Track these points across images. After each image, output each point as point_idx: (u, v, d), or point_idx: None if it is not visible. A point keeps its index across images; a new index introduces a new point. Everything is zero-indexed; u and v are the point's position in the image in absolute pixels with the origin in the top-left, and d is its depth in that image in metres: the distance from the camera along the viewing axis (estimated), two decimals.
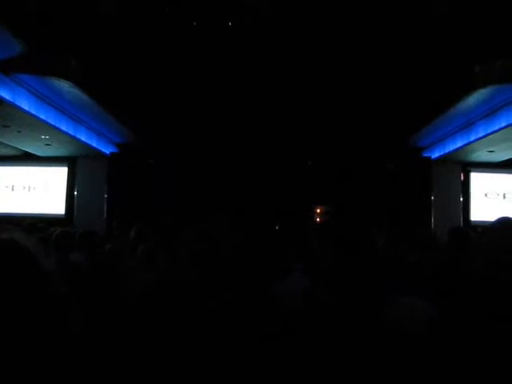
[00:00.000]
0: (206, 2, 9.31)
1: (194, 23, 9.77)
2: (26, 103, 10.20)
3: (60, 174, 15.34)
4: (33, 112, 10.49)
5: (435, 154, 14.59)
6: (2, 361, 1.01)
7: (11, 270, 1.10)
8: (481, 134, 11.56)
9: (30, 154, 14.63)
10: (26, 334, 1.06)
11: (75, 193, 15.28)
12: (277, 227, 13.33)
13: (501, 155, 13.30)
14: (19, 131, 11.74)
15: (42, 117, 10.90)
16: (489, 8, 8.18)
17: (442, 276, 2.83)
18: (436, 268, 3.20)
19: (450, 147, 13.43)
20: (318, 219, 15.68)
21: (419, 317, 2.59)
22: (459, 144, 12.83)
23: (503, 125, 10.54)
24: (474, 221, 14.38)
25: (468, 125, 12.05)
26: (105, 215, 14.86)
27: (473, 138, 12.00)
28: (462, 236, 5.07)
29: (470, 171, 14.94)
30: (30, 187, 15.30)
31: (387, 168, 15.11)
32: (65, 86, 10.03)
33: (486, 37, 8.52)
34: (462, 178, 15.00)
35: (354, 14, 8.83)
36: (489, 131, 11.17)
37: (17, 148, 14.03)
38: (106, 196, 15.16)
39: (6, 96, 9.47)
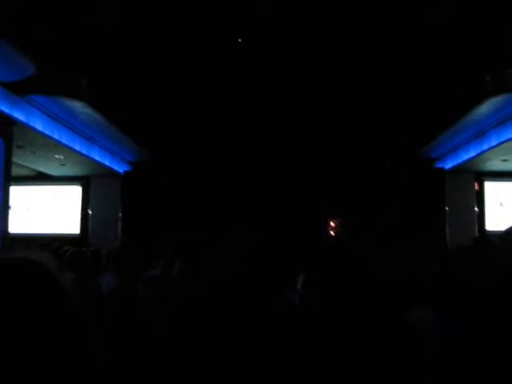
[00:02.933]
0: (217, 19, 9.38)
1: (205, 40, 9.85)
2: (39, 124, 10.30)
3: (74, 193, 15.44)
4: (47, 132, 10.59)
5: (448, 165, 14.52)
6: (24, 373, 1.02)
7: (28, 288, 1.11)
8: (493, 143, 11.51)
9: (45, 173, 14.74)
10: (47, 350, 1.07)
11: (89, 212, 15.35)
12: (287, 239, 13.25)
13: None
14: (33, 152, 11.85)
15: (56, 137, 11.00)
16: (499, 17, 8.18)
17: (447, 286, 2.82)
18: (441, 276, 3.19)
19: (463, 157, 13.37)
20: (331, 232, 15.64)
21: (430, 329, 2.58)
22: (472, 154, 12.78)
23: None
24: (490, 231, 14.26)
25: (480, 134, 12.00)
26: (119, 234, 14.91)
27: (486, 147, 11.94)
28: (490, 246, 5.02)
29: (484, 181, 14.86)
30: (45, 207, 15.39)
31: (400, 180, 15.05)
32: (77, 105, 10.13)
33: (496, 46, 8.52)
34: (477, 187, 14.91)
35: (364, 23, 8.87)
36: (502, 140, 11.12)
37: (31, 168, 14.15)
38: (120, 215, 15.22)
39: (20, 117, 9.57)
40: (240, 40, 9.72)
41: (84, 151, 12.48)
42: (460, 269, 3.28)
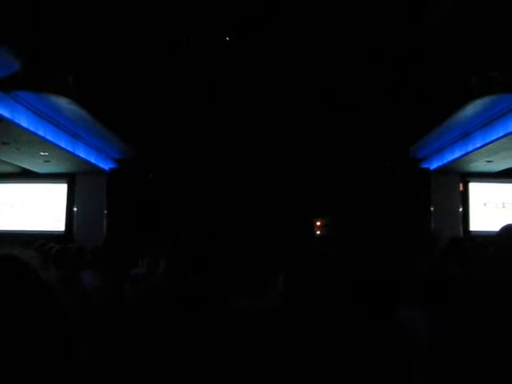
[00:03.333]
0: (204, 19, 9.36)
1: (192, 39, 9.83)
2: (24, 120, 10.21)
3: (59, 190, 15.34)
4: (31, 129, 10.51)
5: (434, 165, 14.60)
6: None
7: (11, 284, 1.10)
8: (478, 144, 11.59)
9: (29, 170, 14.64)
10: (31, 347, 1.06)
11: (75, 209, 15.27)
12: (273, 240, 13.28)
13: (499, 165, 13.32)
14: (18, 148, 11.76)
15: (41, 133, 10.92)
16: (485, 19, 8.23)
17: (436, 286, 2.83)
18: (429, 277, 3.20)
19: (449, 158, 13.45)
20: (317, 232, 15.67)
21: (418, 330, 2.59)
22: (457, 154, 12.86)
23: (501, 134, 10.57)
24: (474, 231, 14.37)
25: (466, 135, 12.08)
26: (105, 231, 14.84)
27: (471, 148, 12.02)
28: (461, 246, 5.07)
29: (468, 181, 14.95)
30: (29, 204, 15.28)
31: (386, 180, 15.10)
32: (63, 102, 10.06)
33: (482, 47, 8.57)
34: (461, 188, 15.00)
35: (352, 26, 8.89)
36: (487, 141, 11.20)
37: (16, 165, 14.04)
38: (105, 212, 15.14)
39: (5, 113, 9.49)
40: (228, 38, 9.70)
41: (69, 148, 12.40)
42: (447, 269, 3.30)
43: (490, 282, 2.38)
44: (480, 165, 13.46)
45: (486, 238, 11.31)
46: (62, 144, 12.02)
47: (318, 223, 15.80)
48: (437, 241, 6.63)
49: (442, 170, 14.40)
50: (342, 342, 2.29)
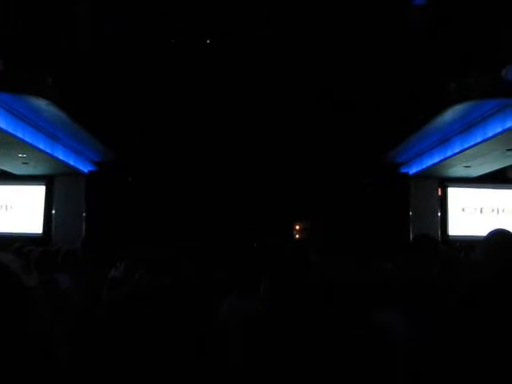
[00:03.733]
0: (186, 20, 9.35)
1: (173, 40, 9.80)
2: (2, 121, 10.11)
3: (37, 192, 15.20)
4: (10, 130, 10.41)
5: (413, 170, 14.72)
6: None
7: None
8: (457, 150, 11.70)
9: (7, 172, 14.49)
10: (10, 350, 1.05)
11: (53, 212, 15.13)
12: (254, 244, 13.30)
13: (477, 170, 13.46)
14: None
15: (19, 135, 10.82)
16: (463, 26, 8.32)
17: (416, 287, 2.85)
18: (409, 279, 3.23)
19: (428, 163, 13.56)
20: (297, 236, 15.71)
21: (397, 332, 2.60)
22: (436, 159, 12.97)
23: (479, 140, 10.68)
24: (452, 235, 14.53)
25: (444, 140, 12.18)
26: (83, 234, 14.73)
27: (449, 153, 12.14)
28: (431, 244, 5.09)
29: (447, 186, 15.09)
30: (7, 206, 15.13)
31: (365, 184, 15.20)
32: (42, 104, 9.98)
33: (461, 53, 8.67)
34: (440, 193, 15.13)
35: (332, 30, 8.93)
36: (465, 146, 11.31)
37: None
38: (84, 215, 15.04)
39: None
40: (208, 41, 9.70)
41: (48, 150, 12.30)
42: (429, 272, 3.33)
43: (480, 284, 2.40)
44: (458, 170, 13.60)
45: (463, 242, 11.48)
46: (41, 146, 11.92)
47: (297, 227, 15.84)
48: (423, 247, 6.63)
49: (421, 175, 14.52)
50: (321, 346, 2.29)
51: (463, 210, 15.00)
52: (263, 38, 8.71)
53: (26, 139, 11.16)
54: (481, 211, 14.88)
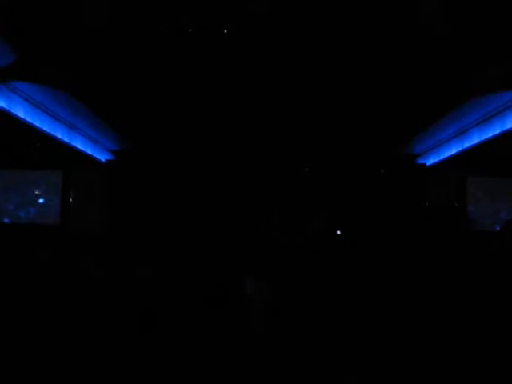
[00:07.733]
0: (202, 9, 9.31)
1: (190, 30, 9.77)
2: (21, 111, 10.22)
3: (55, 180, 15.32)
4: (28, 119, 10.50)
5: (430, 161, 14.63)
6: None
7: None
8: (475, 141, 11.62)
9: (25, 160, 14.60)
10: None
11: (70, 200, 15.25)
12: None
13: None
14: None
15: (38, 124, 10.92)
16: (482, 15, 8.21)
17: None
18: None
19: (445, 154, 13.47)
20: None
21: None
22: (454, 151, 12.88)
23: (497, 132, 10.61)
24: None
25: (462, 132, 12.10)
26: (102, 222, 14.84)
27: (467, 144, 12.06)
28: None
29: (465, 177, 15.01)
30: (24, 195, 15.26)
31: (382, 175, 15.14)
32: (61, 93, 10.06)
33: (480, 45, 8.57)
34: (458, 183, 15.05)
35: (349, 19, 8.86)
36: (483, 138, 11.23)
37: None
38: (101, 203, 15.15)
39: (3, 104, 9.50)
40: (226, 31, 9.67)
41: (66, 139, 12.40)
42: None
43: None
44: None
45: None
46: (59, 135, 12.01)
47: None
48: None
49: (439, 166, 14.42)
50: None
51: (479, 200, 14.92)
52: (283, 28, 8.69)
53: (45, 128, 11.26)
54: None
